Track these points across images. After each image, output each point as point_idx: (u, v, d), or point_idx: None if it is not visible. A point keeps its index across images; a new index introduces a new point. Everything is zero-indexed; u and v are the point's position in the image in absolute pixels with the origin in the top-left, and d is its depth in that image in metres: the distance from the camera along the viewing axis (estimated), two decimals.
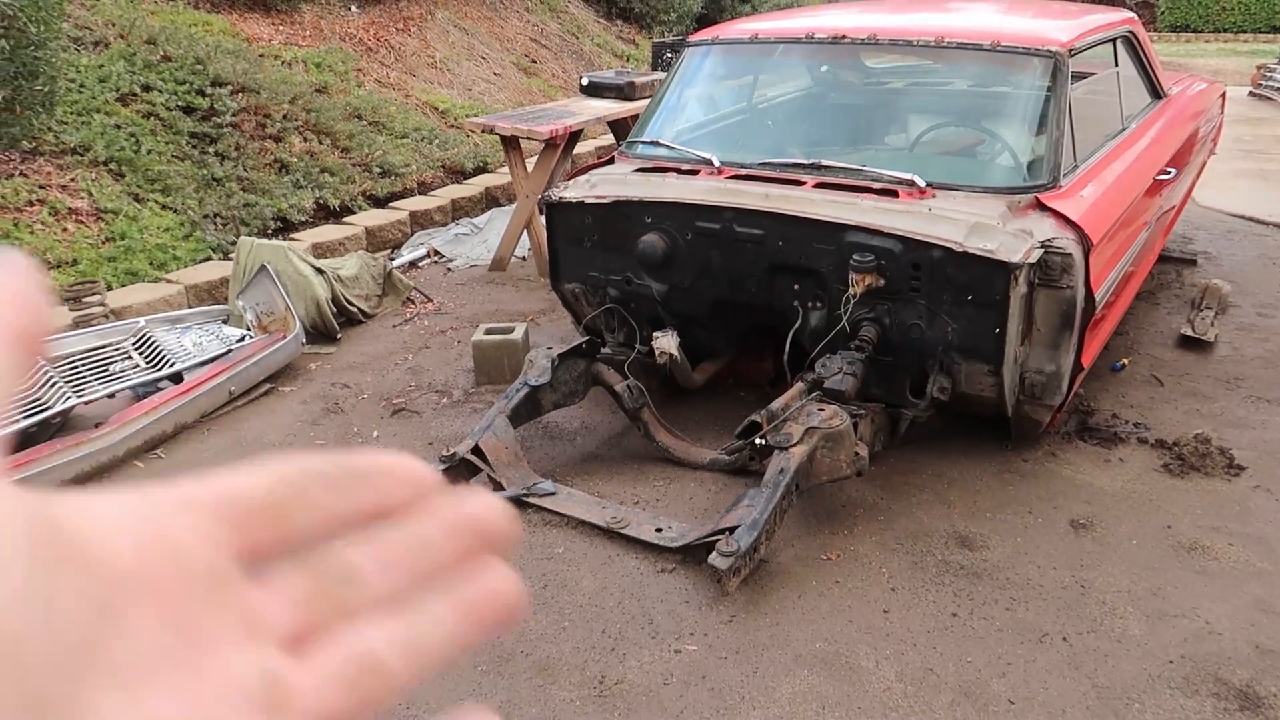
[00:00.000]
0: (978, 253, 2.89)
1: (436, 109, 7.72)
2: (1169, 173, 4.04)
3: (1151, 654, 2.41)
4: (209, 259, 5.02)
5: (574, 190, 3.61)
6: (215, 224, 5.27)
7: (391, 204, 6.17)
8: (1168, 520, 2.98)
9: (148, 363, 3.73)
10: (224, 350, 3.92)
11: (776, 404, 3.00)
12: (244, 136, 5.92)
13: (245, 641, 0.27)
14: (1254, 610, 2.56)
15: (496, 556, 0.32)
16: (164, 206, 5.19)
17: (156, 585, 0.25)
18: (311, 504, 0.29)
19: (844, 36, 3.69)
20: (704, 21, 11.73)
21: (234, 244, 4.80)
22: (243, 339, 4.07)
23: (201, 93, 5.93)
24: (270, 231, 5.42)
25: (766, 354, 3.77)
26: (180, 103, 5.80)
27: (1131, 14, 4.52)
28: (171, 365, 3.73)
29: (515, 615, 0.31)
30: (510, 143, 5.24)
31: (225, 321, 4.29)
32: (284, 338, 4.03)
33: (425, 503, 0.31)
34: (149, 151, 5.38)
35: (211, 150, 5.70)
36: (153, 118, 5.63)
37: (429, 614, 0.30)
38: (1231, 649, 2.43)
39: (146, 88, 5.76)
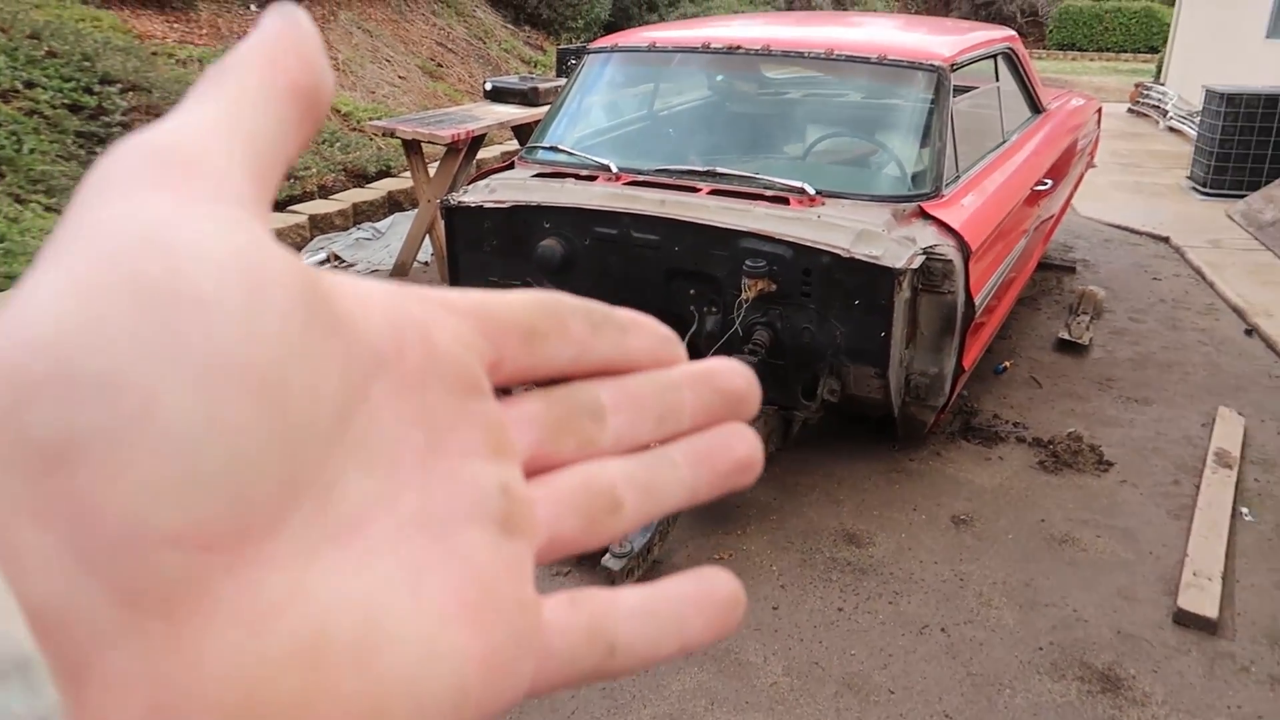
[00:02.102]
0: (864, 259, 2.99)
1: (339, 111, 7.59)
2: (1046, 184, 4.24)
3: (1023, 641, 2.54)
4: None
5: (473, 195, 3.61)
6: None
7: (290, 207, 6.05)
8: (1042, 514, 3.13)
9: None
10: None
11: None
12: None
13: (488, 453, 0.26)
14: (1117, 598, 2.72)
15: (737, 416, 0.31)
16: (48, 208, 4.99)
17: (410, 376, 0.24)
18: (567, 335, 0.28)
19: (739, 47, 3.78)
20: (611, 29, 11.80)
21: None
22: None
23: (89, 90, 5.71)
24: None
25: None
26: (66, 100, 5.58)
27: (1012, 31, 4.74)
28: None
29: (750, 471, 0.30)
30: (412, 147, 5.20)
31: None
32: None
33: (669, 360, 0.30)
34: (31, 151, 5.16)
35: (99, 150, 5.48)
36: (36, 115, 5.40)
37: (666, 459, 0.29)
38: (1096, 634, 2.57)
39: (29, 84, 5.52)
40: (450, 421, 0.25)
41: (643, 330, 0.30)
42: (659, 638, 0.27)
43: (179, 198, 0.20)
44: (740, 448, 0.30)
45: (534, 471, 0.27)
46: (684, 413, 0.29)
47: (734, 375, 0.30)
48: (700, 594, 0.28)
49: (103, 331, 0.18)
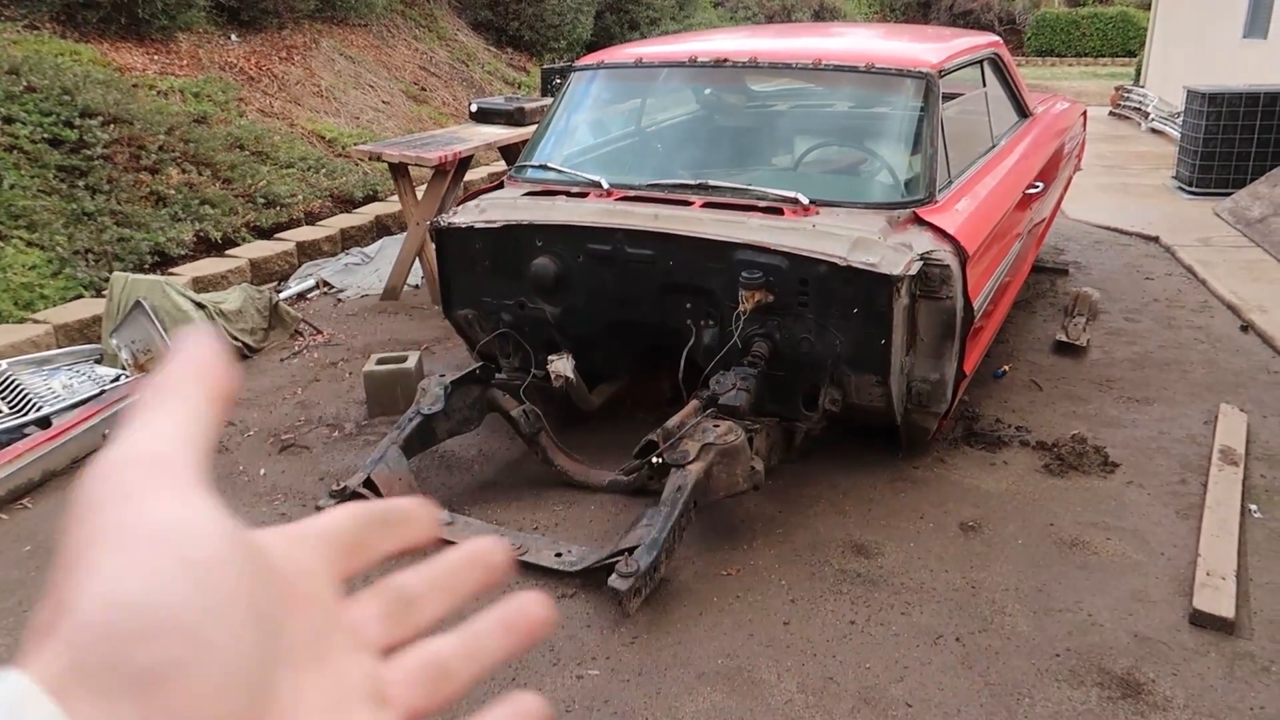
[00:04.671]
0: (861, 266, 2.97)
1: (323, 138, 7.56)
2: (1037, 186, 4.23)
3: (1039, 649, 2.49)
4: (80, 297, 4.78)
5: (463, 216, 3.57)
6: (87, 260, 5.03)
7: (277, 235, 6.00)
8: (1050, 518, 3.09)
9: (11, 408, 3.52)
10: (97, 391, 3.73)
11: (672, 422, 3.00)
12: (117, 169, 5.68)
13: (355, 648, 0.36)
14: (1131, 600, 2.68)
15: (499, 580, 0.41)
16: (29, 243, 4.93)
17: (302, 597, 0.34)
18: (370, 543, 0.39)
19: (725, 60, 3.76)
20: (594, 48, 11.82)
21: (107, 280, 4.58)
22: (118, 379, 3.88)
23: (70, 124, 5.67)
24: (147, 266, 5.20)
25: (663, 374, 3.78)
26: (46, 135, 5.53)
27: (996, 37, 4.74)
28: (38, 409, 3.53)
29: (548, 626, 0.40)
30: (399, 170, 5.17)
31: (99, 361, 4.09)
32: None
33: (435, 535, 0.41)
34: (11, 186, 5.10)
35: (81, 184, 5.44)
36: (16, 150, 5.35)
37: (478, 629, 0.39)
38: (1113, 639, 2.53)
39: (8, 120, 5.47)
40: (329, 626, 0.35)
41: (409, 518, 0.41)
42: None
43: (176, 494, 0.31)
44: (536, 610, 0.40)
45: (384, 650, 0.37)
46: (466, 587, 0.40)
47: (495, 552, 0.41)
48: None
49: (169, 594, 0.29)
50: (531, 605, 0.40)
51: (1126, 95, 12.10)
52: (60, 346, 4.30)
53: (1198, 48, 10.78)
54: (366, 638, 0.37)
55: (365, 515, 0.39)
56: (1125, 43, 20.85)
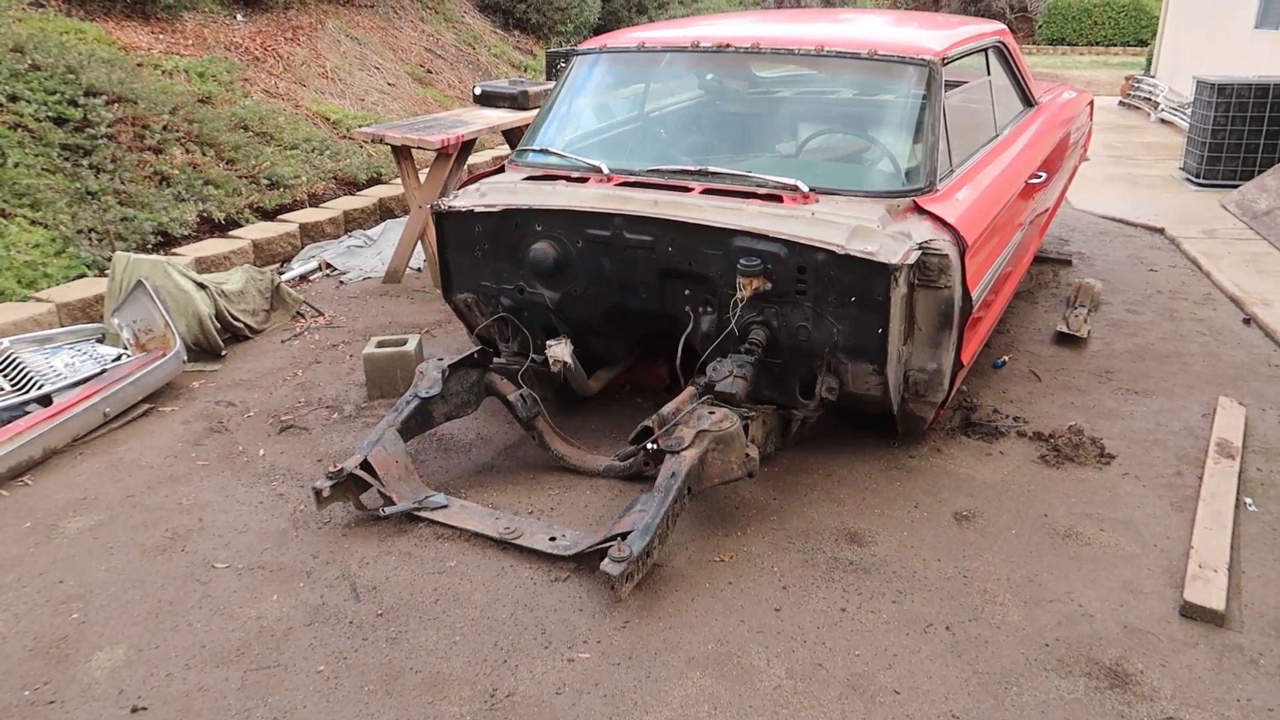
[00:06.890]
0: (859, 255, 2.96)
1: (328, 119, 7.56)
2: (1040, 176, 4.21)
3: (1028, 638, 2.50)
4: (83, 276, 4.80)
5: (463, 199, 3.58)
6: (90, 239, 5.04)
7: (280, 216, 6.01)
8: (1044, 509, 3.10)
9: (13, 385, 3.54)
10: (98, 370, 3.75)
11: (668, 408, 3.01)
12: (121, 148, 5.68)
13: None
14: (1123, 591, 2.68)
15: None
16: (34, 222, 4.95)
17: None
18: None
19: (728, 45, 3.75)
20: (601, 32, 11.77)
21: (110, 260, 4.60)
22: (119, 358, 3.90)
23: (74, 103, 5.67)
24: (150, 246, 5.22)
25: (662, 360, 3.79)
26: (51, 113, 5.54)
27: (1002, 25, 4.71)
28: (40, 387, 3.55)
29: None
30: (402, 153, 5.17)
31: (100, 340, 4.11)
32: (163, 356, 3.88)
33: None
34: (16, 164, 5.12)
35: (85, 163, 5.45)
36: (20, 129, 5.36)
37: None
38: (1102, 630, 2.53)
39: (13, 98, 5.48)
40: None
41: None
42: None
43: None
44: None
45: None
46: None
47: None
48: None
49: None
50: None
51: (1137, 85, 12.02)
52: (62, 325, 4.32)
53: (1209, 38, 10.69)
54: None
55: None
56: (1137, 32, 20.70)
